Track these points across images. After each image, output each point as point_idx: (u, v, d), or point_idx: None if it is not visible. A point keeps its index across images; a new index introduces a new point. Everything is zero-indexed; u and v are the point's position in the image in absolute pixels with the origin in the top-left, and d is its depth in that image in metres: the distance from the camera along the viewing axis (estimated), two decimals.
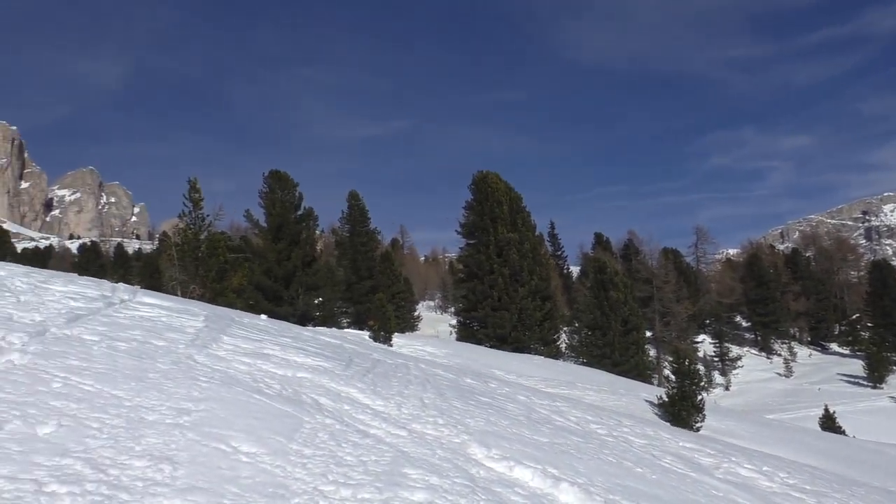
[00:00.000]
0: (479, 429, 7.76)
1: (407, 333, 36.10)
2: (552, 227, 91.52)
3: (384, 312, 25.91)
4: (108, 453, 4.39)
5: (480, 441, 7.08)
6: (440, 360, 21.80)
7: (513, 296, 37.61)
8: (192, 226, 22.50)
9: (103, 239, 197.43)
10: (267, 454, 5.05)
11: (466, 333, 39.55)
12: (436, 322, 74.69)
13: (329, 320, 36.92)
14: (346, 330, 30.27)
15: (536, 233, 47.78)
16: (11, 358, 5.99)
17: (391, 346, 25.04)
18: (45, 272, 11.79)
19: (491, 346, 33.40)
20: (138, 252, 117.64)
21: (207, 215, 23.32)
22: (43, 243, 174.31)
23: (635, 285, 52.54)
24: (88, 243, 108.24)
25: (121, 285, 12.17)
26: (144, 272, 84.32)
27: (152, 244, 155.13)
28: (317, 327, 27.80)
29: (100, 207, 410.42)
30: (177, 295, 20.82)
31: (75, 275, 12.77)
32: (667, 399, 19.11)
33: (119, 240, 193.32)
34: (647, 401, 20.86)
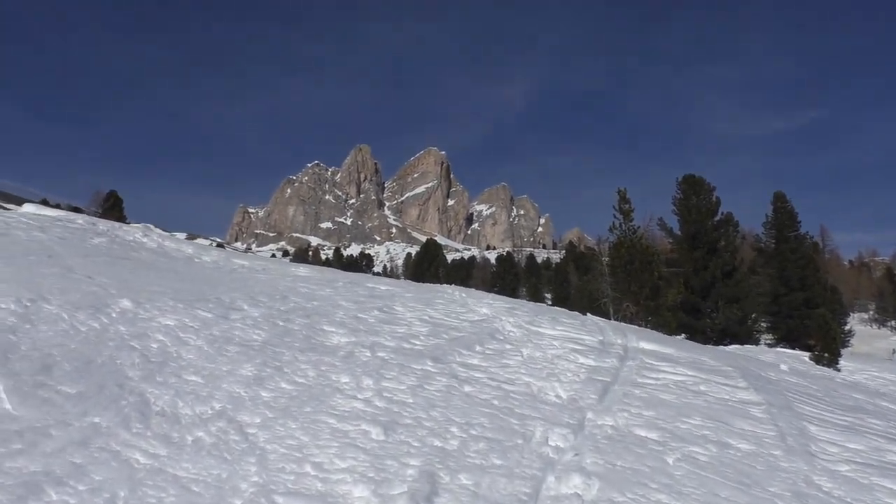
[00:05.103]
0: None
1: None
2: None
3: (828, 331, 22.59)
4: None
5: None
6: None
7: None
8: (624, 238, 21.99)
9: (516, 249, 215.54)
10: None
11: None
12: (871, 338, 64.96)
13: (750, 337, 33.93)
14: (778, 349, 27.31)
15: None
16: (576, 487, 4.53)
17: (839, 370, 21.72)
18: (526, 307, 11.77)
19: None
20: (546, 261, 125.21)
21: (638, 227, 22.68)
22: (466, 254, 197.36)
23: None
24: (504, 254, 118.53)
25: (601, 322, 11.68)
26: (555, 280, 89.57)
27: (558, 253, 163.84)
28: (733, 345, 25.52)
29: (511, 220, 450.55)
30: (609, 312, 20.70)
31: (544, 305, 13.17)
32: None
33: (530, 250, 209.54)
34: None
